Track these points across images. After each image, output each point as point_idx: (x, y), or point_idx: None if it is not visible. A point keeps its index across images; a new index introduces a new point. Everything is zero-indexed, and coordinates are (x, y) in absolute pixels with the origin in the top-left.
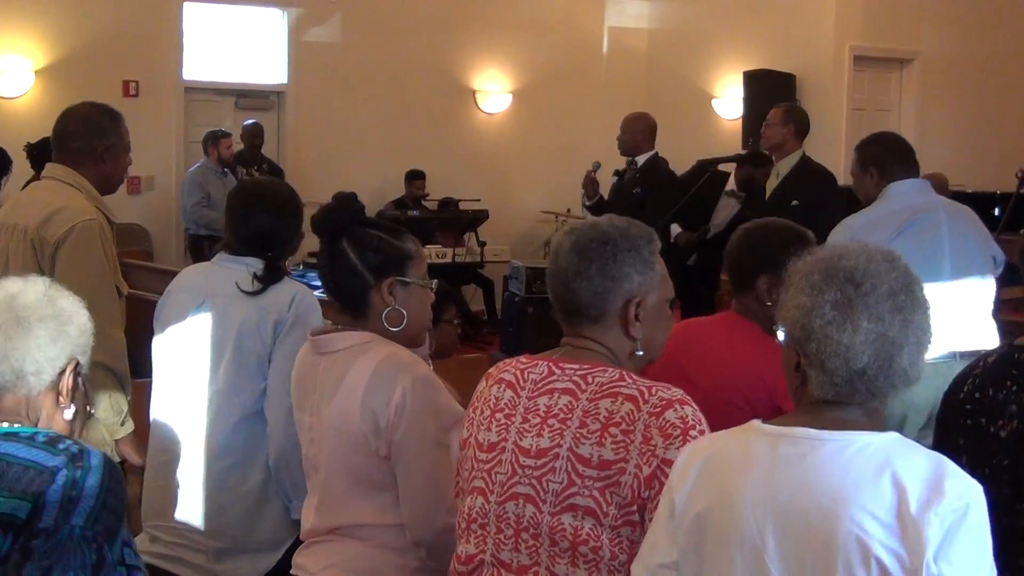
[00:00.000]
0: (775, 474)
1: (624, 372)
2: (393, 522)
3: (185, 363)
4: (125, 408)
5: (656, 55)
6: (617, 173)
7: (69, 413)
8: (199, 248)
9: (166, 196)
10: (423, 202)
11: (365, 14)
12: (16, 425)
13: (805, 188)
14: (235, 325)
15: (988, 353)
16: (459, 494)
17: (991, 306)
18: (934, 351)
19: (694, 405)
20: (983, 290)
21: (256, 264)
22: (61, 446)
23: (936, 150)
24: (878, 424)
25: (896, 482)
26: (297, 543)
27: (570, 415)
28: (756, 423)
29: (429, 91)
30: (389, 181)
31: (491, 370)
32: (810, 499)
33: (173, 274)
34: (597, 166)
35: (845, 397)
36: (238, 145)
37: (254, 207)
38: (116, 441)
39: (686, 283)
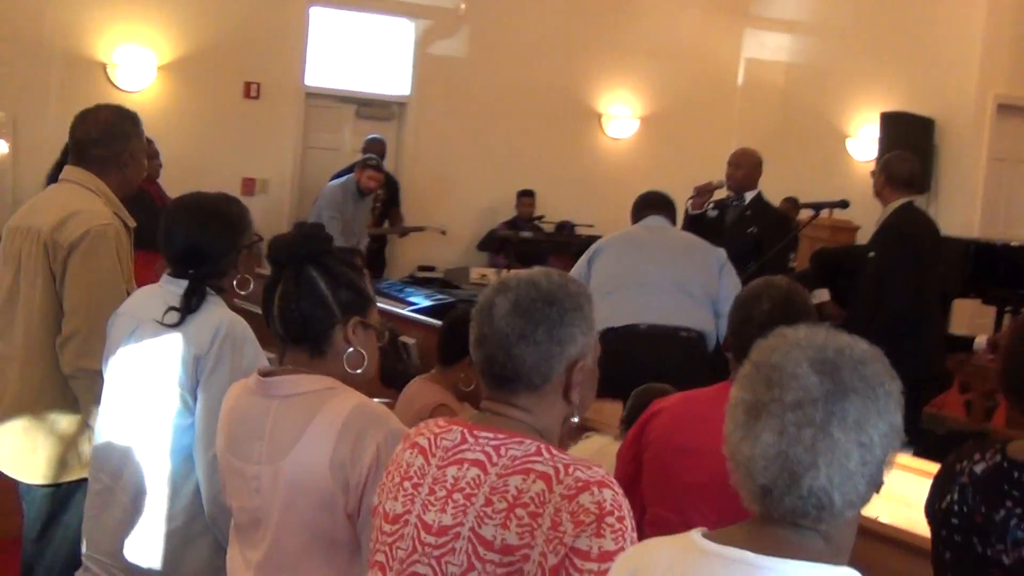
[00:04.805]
0: None
1: (543, 446)
2: None
3: (117, 391)
4: None
5: (792, 90)
6: (718, 207)
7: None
8: None
9: (278, 201)
10: (538, 223)
11: (493, 29)
12: None
13: (881, 239)
14: (159, 355)
15: (970, 456)
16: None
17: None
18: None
19: (616, 488)
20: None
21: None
22: None
23: None
24: (834, 553)
25: None
26: None
27: (476, 491)
28: (694, 535)
29: (553, 112)
30: (502, 201)
31: (412, 430)
32: None
33: None
34: (721, 183)
35: (789, 516)
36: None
37: (177, 221)
38: None
39: None
